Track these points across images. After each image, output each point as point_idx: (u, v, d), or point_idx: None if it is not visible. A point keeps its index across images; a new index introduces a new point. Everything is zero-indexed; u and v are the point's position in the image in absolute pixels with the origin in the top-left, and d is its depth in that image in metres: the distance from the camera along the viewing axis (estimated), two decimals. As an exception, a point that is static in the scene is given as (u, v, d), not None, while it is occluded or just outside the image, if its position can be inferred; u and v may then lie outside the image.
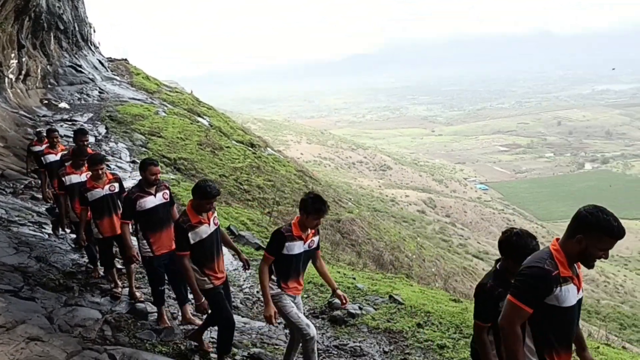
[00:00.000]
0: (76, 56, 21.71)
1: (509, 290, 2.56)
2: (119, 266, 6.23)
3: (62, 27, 20.17)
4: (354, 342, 5.44)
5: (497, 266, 3.06)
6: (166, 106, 20.38)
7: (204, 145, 16.43)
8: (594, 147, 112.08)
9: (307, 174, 21.94)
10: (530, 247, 2.87)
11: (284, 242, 3.90)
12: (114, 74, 24.22)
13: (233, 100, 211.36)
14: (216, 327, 5.18)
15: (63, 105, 17.67)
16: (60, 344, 4.21)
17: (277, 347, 5.23)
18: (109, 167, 11.04)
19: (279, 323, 5.29)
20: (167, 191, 4.98)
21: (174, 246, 4.68)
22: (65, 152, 7.10)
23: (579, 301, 2.60)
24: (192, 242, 4.07)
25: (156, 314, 5.22)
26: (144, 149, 14.66)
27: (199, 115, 21.12)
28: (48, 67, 18.95)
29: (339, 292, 4.17)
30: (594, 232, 2.40)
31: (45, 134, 8.68)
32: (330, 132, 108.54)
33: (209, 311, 4.23)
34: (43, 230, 7.60)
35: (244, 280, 7.21)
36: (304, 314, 4.70)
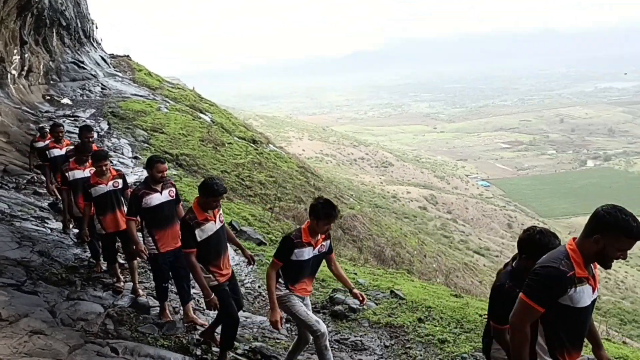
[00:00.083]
0: (78, 52, 21.73)
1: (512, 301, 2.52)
2: (121, 261, 6.26)
3: (64, 24, 20.18)
4: (355, 336, 5.46)
5: (513, 265, 2.99)
6: (168, 102, 20.40)
7: (206, 141, 16.44)
8: (596, 144, 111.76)
9: (309, 170, 21.95)
10: (553, 246, 2.80)
11: (293, 248, 3.88)
12: (116, 70, 24.24)
13: (235, 97, 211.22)
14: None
15: (65, 101, 17.70)
16: (63, 338, 4.24)
17: (278, 341, 5.26)
18: (111, 162, 11.06)
19: (286, 329, 5.26)
20: (173, 189, 4.99)
21: (179, 244, 4.69)
22: (71, 147, 7.11)
23: (593, 301, 2.55)
24: (198, 239, 4.06)
25: (158, 308, 5.25)
26: (146, 145, 14.68)
27: (201, 112, 21.13)
28: (50, 63, 18.98)
29: (355, 291, 4.14)
30: (612, 232, 2.34)
31: (49, 129, 8.70)
32: (332, 129, 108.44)
33: (219, 307, 4.21)
34: (46, 225, 7.63)
35: (246, 276, 7.24)
36: None
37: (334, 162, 73.25)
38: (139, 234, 5.00)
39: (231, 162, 15.59)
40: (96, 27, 25.87)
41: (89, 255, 6.47)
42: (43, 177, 9.32)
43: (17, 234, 6.70)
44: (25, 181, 9.94)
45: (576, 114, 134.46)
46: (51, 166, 7.56)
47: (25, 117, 14.30)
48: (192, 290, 5.40)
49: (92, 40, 24.48)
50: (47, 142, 8.59)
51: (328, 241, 4.11)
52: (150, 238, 4.85)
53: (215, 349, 4.60)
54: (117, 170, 5.75)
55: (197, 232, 4.05)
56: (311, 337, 4.24)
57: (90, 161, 6.00)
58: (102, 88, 20.26)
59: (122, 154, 13.32)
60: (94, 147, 6.63)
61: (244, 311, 5.92)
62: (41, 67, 17.97)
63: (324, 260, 4.25)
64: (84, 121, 15.18)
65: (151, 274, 6.40)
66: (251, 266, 4.95)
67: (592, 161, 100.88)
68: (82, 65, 20.97)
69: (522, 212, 61.65)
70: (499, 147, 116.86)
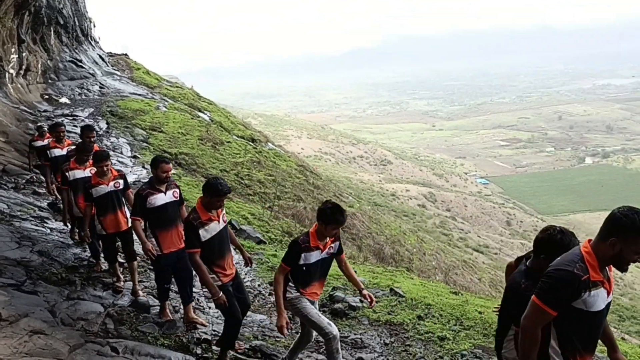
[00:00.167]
0: (76, 51, 21.68)
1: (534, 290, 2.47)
2: (121, 260, 6.26)
3: (62, 22, 20.13)
4: (355, 334, 5.47)
5: (527, 264, 2.92)
6: (167, 101, 20.38)
7: (205, 140, 16.43)
8: (594, 141, 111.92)
9: (308, 168, 21.95)
10: (574, 246, 2.68)
11: (300, 252, 3.86)
12: (115, 69, 24.20)
13: (233, 96, 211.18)
14: (220, 321, 5.21)
15: (64, 100, 17.67)
16: (63, 337, 4.24)
17: (278, 339, 5.27)
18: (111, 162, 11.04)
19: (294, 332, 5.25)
20: (177, 190, 4.98)
21: (182, 245, 4.70)
22: (73, 147, 7.08)
23: (608, 304, 2.49)
24: (202, 239, 4.04)
25: (158, 307, 5.25)
26: (145, 144, 14.67)
27: (200, 110, 21.12)
28: (48, 62, 18.94)
29: (365, 292, 4.12)
30: (629, 234, 2.28)
31: (48, 129, 8.68)
32: (331, 127, 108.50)
33: (227, 305, 4.19)
34: (45, 224, 7.63)
35: (245, 274, 7.24)
36: None
37: (332, 161, 73.28)
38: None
39: (230, 161, 15.59)
40: (94, 25, 25.83)
41: (89, 254, 6.47)
42: (42, 177, 9.31)
43: (17, 234, 6.69)
44: (24, 181, 9.92)
45: (574, 111, 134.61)
46: (52, 166, 7.52)
47: (23, 116, 14.27)
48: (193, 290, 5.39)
49: (90, 39, 24.42)
50: (45, 141, 8.58)
51: (337, 242, 4.07)
52: (153, 239, 4.83)
53: (215, 348, 4.61)
54: (118, 171, 5.73)
55: (201, 232, 4.03)
56: (313, 336, 4.23)
57: (90, 161, 5.99)
58: (100, 87, 20.23)
59: (121, 153, 13.30)
60: (95, 147, 6.61)
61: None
62: (39, 66, 17.93)
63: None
64: (83, 120, 15.17)
65: (151, 274, 6.41)
66: (249, 267, 4.92)
67: (591, 158, 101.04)
68: (80, 64, 20.93)
69: (521, 210, 61.75)
70: (498, 144, 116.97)
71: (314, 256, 3.91)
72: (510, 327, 2.90)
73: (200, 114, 20.30)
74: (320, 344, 5.13)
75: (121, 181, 5.58)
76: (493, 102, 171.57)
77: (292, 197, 15.10)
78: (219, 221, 4.16)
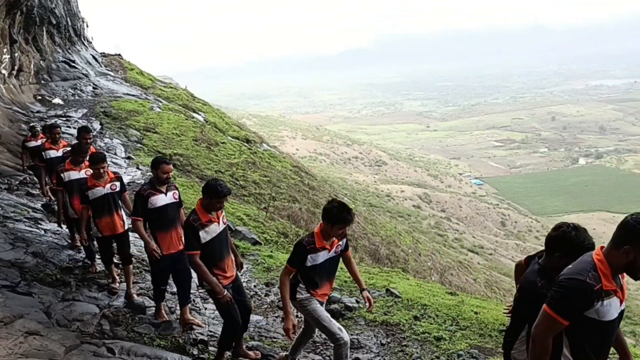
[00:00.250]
0: (69, 51, 21.56)
1: (545, 299, 2.42)
2: (116, 261, 6.22)
3: (54, 22, 20.01)
4: (352, 334, 5.47)
5: (540, 262, 2.84)
6: (161, 102, 20.31)
7: (200, 141, 16.39)
8: (587, 142, 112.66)
9: (303, 169, 21.94)
10: (590, 242, 2.67)
11: (306, 254, 3.79)
12: (108, 70, 24.09)
13: (228, 96, 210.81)
14: (216, 321, 5.20)
15: (57, 101, 17.56)
16: (59, 338, 4.22)
17: (274, 340, 5.26)
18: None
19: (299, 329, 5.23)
20: (177, 191, 4.97)
21: (181, 247, 4.69)
22: (68, 148, 7.03)
23: (621, 313, 2.45)
24: (203, 241, 4.01)
25: (154, 308, 5.23)
26: (139, 145, 14.61)
27: (194, 111, 21.06)
28: (41, 62, 18.82)
29: (365, 293, 4.06)
30: None
31: (43, 129, 8.61)
32: (326, 128, 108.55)
33: (221, 309, 4.17)
34: (39, 226, 7.57)
35: (241, 275, 7.23)
36: None
37: (327, 161, 73.32)
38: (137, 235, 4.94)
39: (225, 162, 15.56)
40: (87, 26, 25.71)
41: (84, 256, 6.43)
42: (36, 178, 9.24)
43: (11, 236, 6.64)
44: (17, 182, 9.85)
45: (568, 112, 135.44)
46: (47, 168, 7.44)
47: (16, 117, 14.17)
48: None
49: (82, 39, 24.30)
50: (39, 141, 8.52)
51: (344, 240, 4.00)
52: (152, 240, 4.81)
53: (212, 348, 4.60)
54: (114, 173, 5.66)
55: (201, 233, 3.99)
56: (315, 332, 4.18)
57: (86, 162, 5.95)
58: (93, 87, 20.13)
59: (115, 154, 13.24)
60: (92, 149, 6.56)
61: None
62: (32, 66, 17.82)
63: None
64: (76, 121, 15.09)
65: (146, 274, 6.39)
66: (241, 270, 4.86)
67: (584, 159, 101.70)
68: (73, 64, 20.81)
69: (515, 210, 62.07)
70: (492, 145, 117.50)
71: (322, 256, 3.84)
72: (524, 327, 2.83)
73: (195, 115, 20.25)
74: (317, 344, 5.13)
75: (118, 183, 5.53)
76: (487, 103, 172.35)
77: (287, 198, 15.09)
78: (219, 223, 4.14)
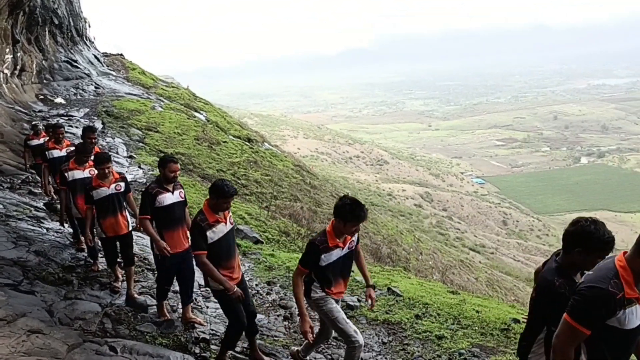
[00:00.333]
0: (71, 51, 21.61)
1: (562, 298, 2.37)
2: (119, 260, 6.24)
3: (56, 22, 20.05)
4: (353, 333, 5.48)
5: (558, 260, 2.77)
6: (162, 101, 20.34)
7: (201, 140, 16.41)
8: (589, 141, 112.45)
9: (305, 168, 21.95)
10: (610, 237, 2.58)
11: (319, 254, 3.71)
12: (110, 69, 24.13)
13: (229, 96, 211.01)
14: (218, 320, 5.20)
15: (59, 100, 17.60)
16: (61, 337, 4.23)
17: (276, 338, 5.27)
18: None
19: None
20: (183, 190, 4.97)
21: (186, 246, 4.69)
22: (72, 147, 7.01)
23: None
24: (210, 241, 3.99)
25: (156, 307, 5.24)
26: (141, 144, 14.63)
27: (196, 110, 21.09)
28: (43, 62, 18.87)
29: (370, 290, 4.02)
30: None
31: (44, 128, 8.61)
32: (327, 127, 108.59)
33: (226, 310, 4.16)
34: (42, 224, 7.59)
35: (243, 273, 7.24)
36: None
37: (329, 161, 73.32)
38: (144, 235, 4.93)
39: (227, 161, 15.57)
40: (89, 26, 25.75)
41: (86, 254, 6.44)
42: (38, 177, 9.26)
43: (13, 234, 6.66)
44: (20, 181, 9.88)
45: (569, 111, 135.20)
46: (51, 167, 7.42)
47: (18, 116, 14.21)
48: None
49: (84, 39, 24.34)
50: (41, 140, 8.53)
51: (356, 235, 3.93)
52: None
53: (214, 347, 4.61)
54: (119, 173, 5.64)
55: (208, 233, 3.97)
56: (331, 335, 4.11)
57: (90, 162, 5.94)
58: (95, 87, 20.17)
59: (117, 153, 13.26)
60: (96, 149, 6.54)
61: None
62: (34, 66, 17.86)
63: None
64: (78, 121, 15.13)
65: (148, 273, 6.40)
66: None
67: (586, 158, 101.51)
68: (75, 64, 20.86)
69: (517, 209, 61.99)
70: (493, 144, 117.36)
71: (335, 255, 3.77)
72: (542, 329, 2.74)
73: (197, 114, 20.27)
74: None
75: (122, 184, 5.50)
76: (489, 102, 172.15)
77: (289, 196, 15.10)
78: (226, 223, 4.12)
